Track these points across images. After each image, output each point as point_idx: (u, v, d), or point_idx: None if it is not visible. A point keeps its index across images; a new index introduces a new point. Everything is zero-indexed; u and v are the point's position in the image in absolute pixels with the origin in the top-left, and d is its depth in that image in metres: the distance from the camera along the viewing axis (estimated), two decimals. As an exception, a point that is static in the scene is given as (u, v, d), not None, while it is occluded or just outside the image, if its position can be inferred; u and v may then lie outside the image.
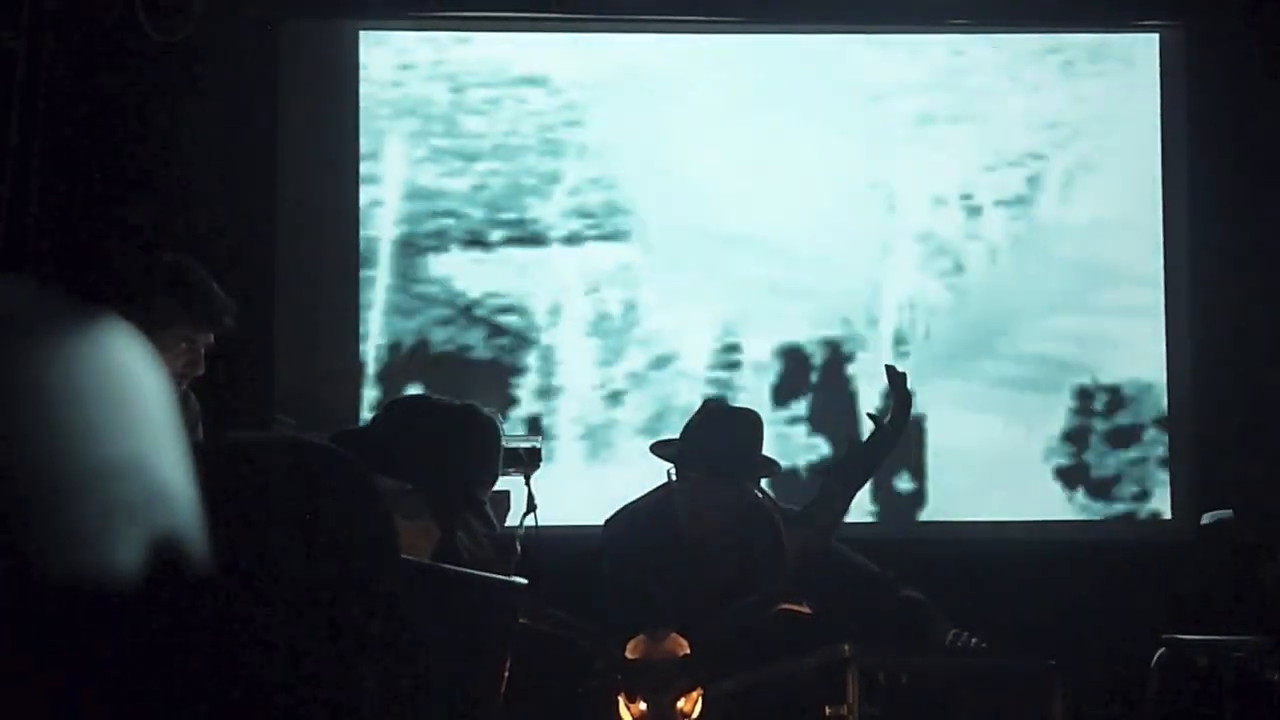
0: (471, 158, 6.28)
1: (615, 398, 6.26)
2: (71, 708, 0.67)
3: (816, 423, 6.26)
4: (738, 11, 6.39)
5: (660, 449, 4.88)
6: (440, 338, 6.25)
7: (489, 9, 6.32)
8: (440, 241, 6.26)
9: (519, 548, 3.84)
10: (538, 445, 4.32)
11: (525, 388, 6.24)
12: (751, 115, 6.35)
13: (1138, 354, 6.35)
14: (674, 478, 4.77)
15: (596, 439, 6.24)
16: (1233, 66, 6.30)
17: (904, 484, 6.29)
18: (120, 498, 0.70)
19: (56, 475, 0.67)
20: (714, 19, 6.38)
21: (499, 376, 6.23)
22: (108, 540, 0.69)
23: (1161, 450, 6.33)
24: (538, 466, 4.28)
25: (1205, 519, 5.87)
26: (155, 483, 0.72)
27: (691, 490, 4.72)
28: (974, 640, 4.65)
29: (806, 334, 6.31)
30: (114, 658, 0.69)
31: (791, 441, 6.17)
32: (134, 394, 0.73)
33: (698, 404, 5.67)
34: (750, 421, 4.87)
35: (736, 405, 5.10)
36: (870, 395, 6.18)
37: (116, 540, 0.69)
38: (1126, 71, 6.42)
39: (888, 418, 4.75)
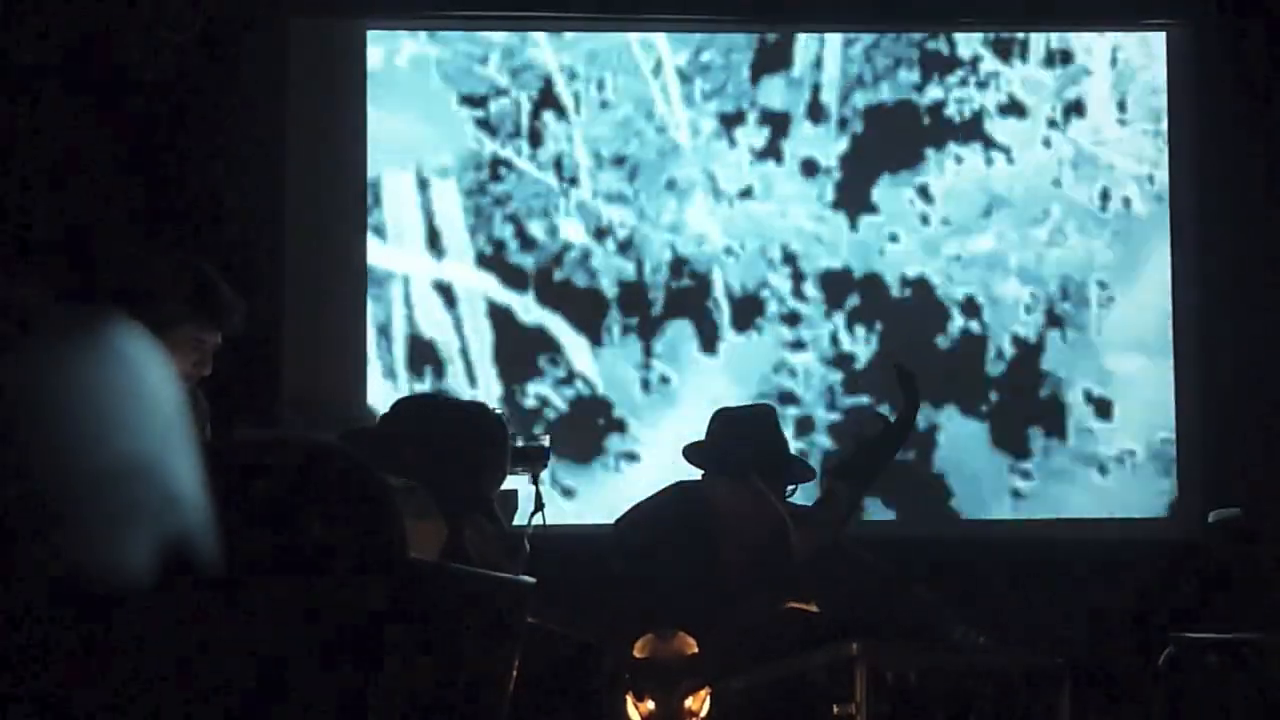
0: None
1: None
2: (86, 703, 0.67)
3: None
4: (742, 11, 6.39)
5: (690, 454, 4.91)
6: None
7: (494, 8, 6.33)
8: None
9: (527, 546, 3.85)
10: (545, 444, 4.31)
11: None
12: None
13: (1144, 351, 6.35)
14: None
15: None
16: (1241, 64, 6.30)
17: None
18: (133, 498, 0.70)
19: (71, 476, 0.68)
20: (717, 18, 6.38)
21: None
22: (121, 540, 0.69)
23: (1169, 449, 6.32)
24: (545, 465, 4.27)
25: (1212, 517, 5.87)
26: (167, 483, 0.73)
27: (701, 490, 4.74)
28: (981, 638, 4.66)
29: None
30: (127, 655, 0.69)
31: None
32: (146, 396, 0.73)
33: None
34: (760, 421, 4.88)
35: (750, 404, 5.10)
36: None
37: (130, 540, 0.69)
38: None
39: (896, 416, 4.76)
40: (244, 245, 5.89)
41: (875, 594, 4.81)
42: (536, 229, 6.27)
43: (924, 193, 6.35)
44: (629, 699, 4.33)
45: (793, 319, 6.30)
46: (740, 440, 4.80)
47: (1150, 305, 6.36)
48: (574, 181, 6.28)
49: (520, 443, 4.11)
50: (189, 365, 3.79)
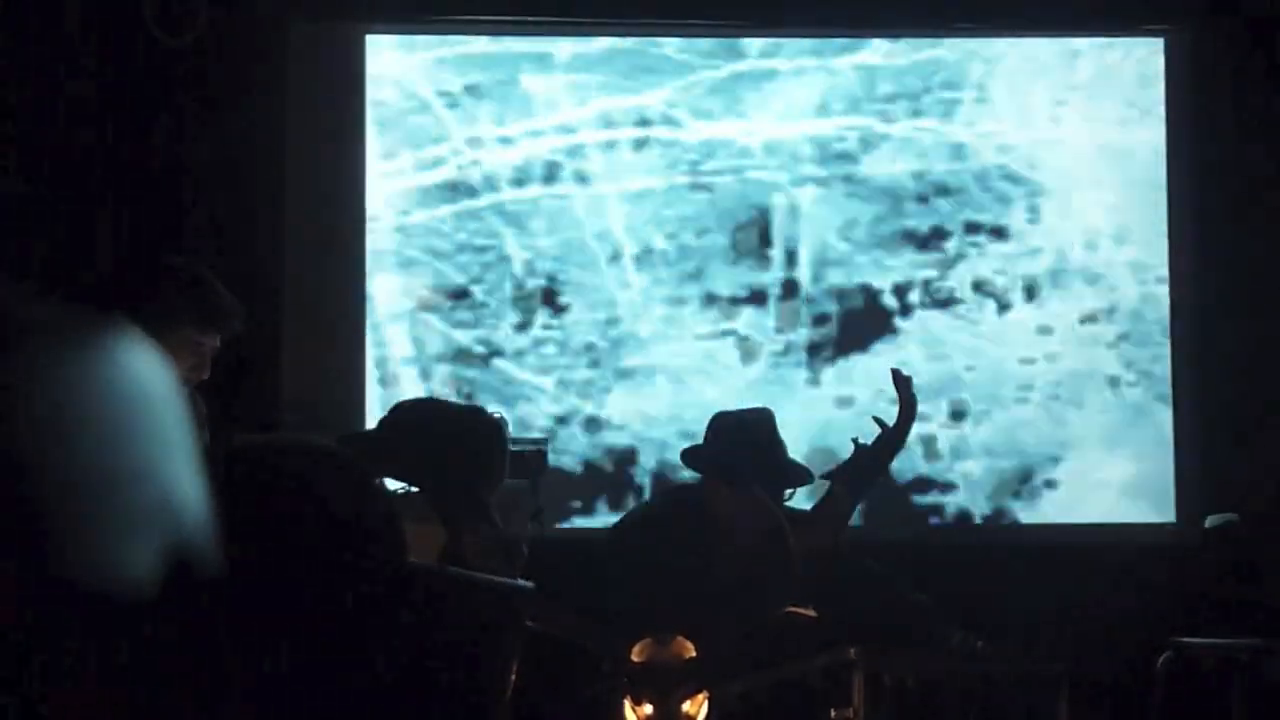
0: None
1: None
2: (88, 707, 0.68)
3: None
4: (740, 15, 6.39)
5: (689, 458, 4.91)
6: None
7: (494, 11, 6.34)
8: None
9: (525, 550, 3.85)
10: (543, 448, 4.31)
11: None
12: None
13: (1143, 356, 6.35)
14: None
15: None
16: (1239, 70, 6.31)
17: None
18: (136, 503, 0.71)
19: (74, 482, 0.68)
20: (719, 22, 6.39)
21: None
22: (124, 545, 0.69)
23: (1167, 452, 6.33)
24: (543, 470, 4.28)
25: (1210, 522, 5.87)
26: (169, 488, 0.73)
27: (699, 494, 4.74)
28: (979, 643, 4.66)
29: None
30: (129, 659, 0.69)
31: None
32: (147, 401, 0.74)
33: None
34: (758, 425, 4.88)
35: (747, 408, 5.10)
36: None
37: (132, 545, 0.70)
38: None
39: (893, 422, 4.76)
40: (243, 248, 5.89)
41: (873, 599, 4.81)
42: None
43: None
44: (626, 703, 4.33)
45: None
46: (738, 444, 4.80)
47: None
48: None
49: (518, 447, 4.11)
50: (187, 369, 3.80)
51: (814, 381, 6.30)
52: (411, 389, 6.15)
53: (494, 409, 4.02)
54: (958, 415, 6.30)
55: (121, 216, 5.86)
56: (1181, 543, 6.15)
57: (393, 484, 3.68)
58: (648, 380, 6.27)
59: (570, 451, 6.21)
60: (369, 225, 6.24)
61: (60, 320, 0.72)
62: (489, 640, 2.79)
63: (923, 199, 6.36)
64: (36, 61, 5.76)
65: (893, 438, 4.79)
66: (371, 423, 5.79)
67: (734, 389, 6.19)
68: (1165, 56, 6.43)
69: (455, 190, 6.29)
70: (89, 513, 0.69)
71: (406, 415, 3.85)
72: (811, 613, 4.59)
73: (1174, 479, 6.30)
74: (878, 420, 4.87)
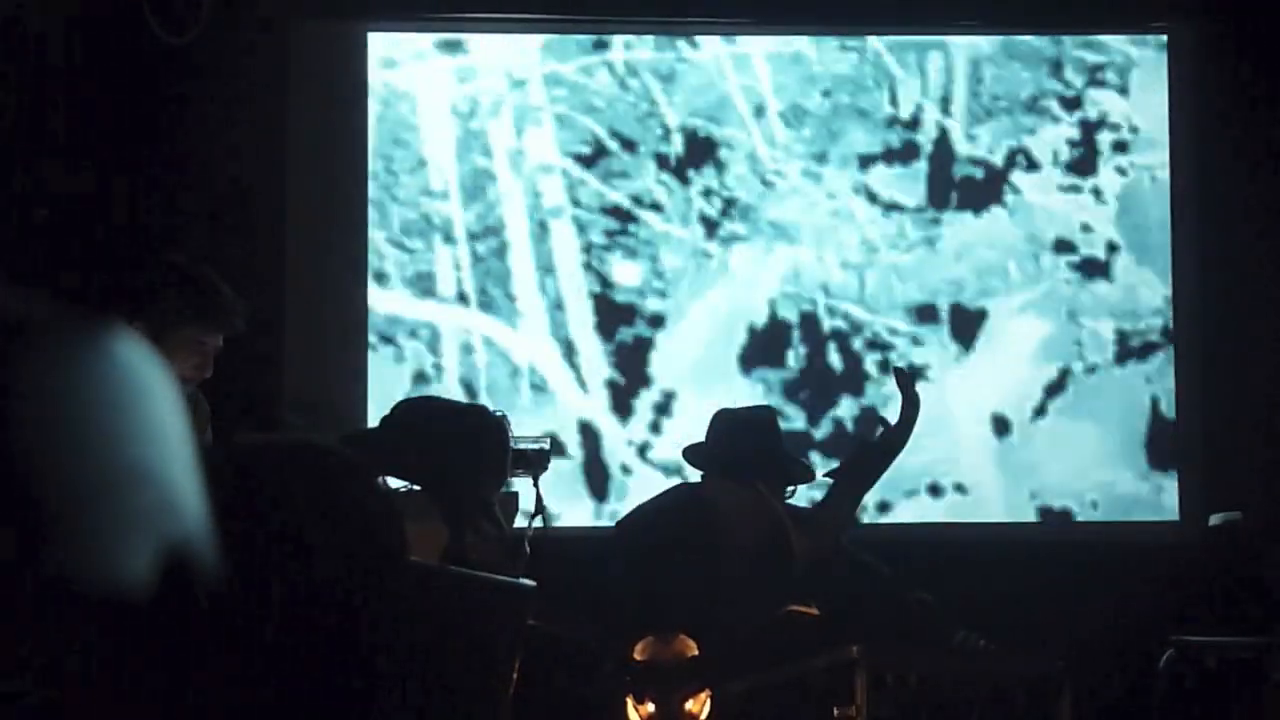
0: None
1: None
2: (86, 710, 0.68)
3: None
4: (743, 14, 6.39)
5: (691, 455, 4.92)
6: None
7: (493, 10, 6.34)
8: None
9: (527, 549, 3.85)
10: (545, 447, 4.31)
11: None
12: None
13: (1143, 355, 6.35)
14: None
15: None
16: (1242, 68, 6.30)
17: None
18: (135, 505, 0.71)
19: (73, 483, 0.68)
20: (719, 20, 6.38)
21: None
22: (123, 547, 0.69)
23: (1170, 450, 6.32)
24: (546, 468, 4.28)
25: (1213, 520, 5.87)
26: (168, 490, 0.73)
27: (702, 492, 4.74)
28: (982, 642, 4.66)
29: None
30: (128, 661, 0.69)
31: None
32: (146, 402, 0.74)
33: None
34: (760, 423, 4.88)
35: (749, 406, 5.10)
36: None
37: (132, 547, 0.70)
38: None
39: (896, 419, 4.76)
40: (244, 247, 5.89)
41: (875, 597, 4.81)
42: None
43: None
44: (629, 701, 4.33)
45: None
46: (740, 442, 4.80)
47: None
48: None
49: (521, 445, 4.11)
50: (190, 368, 3.80)
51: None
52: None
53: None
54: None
55: (122, 215, 5.86)
56: (1182, 542, 6.15)
57: (395, 483, 3.68)
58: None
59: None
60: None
61: (60, 320, 0.72)
62: (491, 639, 2.79)
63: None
64: (38, 59, 5.76)
65: (895, 436, 4.78)
66: (373, 422, 5.81)
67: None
68: (1168, 54, 6.43)
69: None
70: (88, 513, 0.69)
71: (408, 414, 3.84)
72: (814, 611, 4.59)
73: (1177, 477, 6.30)
74: (880, 419, 4.87)
